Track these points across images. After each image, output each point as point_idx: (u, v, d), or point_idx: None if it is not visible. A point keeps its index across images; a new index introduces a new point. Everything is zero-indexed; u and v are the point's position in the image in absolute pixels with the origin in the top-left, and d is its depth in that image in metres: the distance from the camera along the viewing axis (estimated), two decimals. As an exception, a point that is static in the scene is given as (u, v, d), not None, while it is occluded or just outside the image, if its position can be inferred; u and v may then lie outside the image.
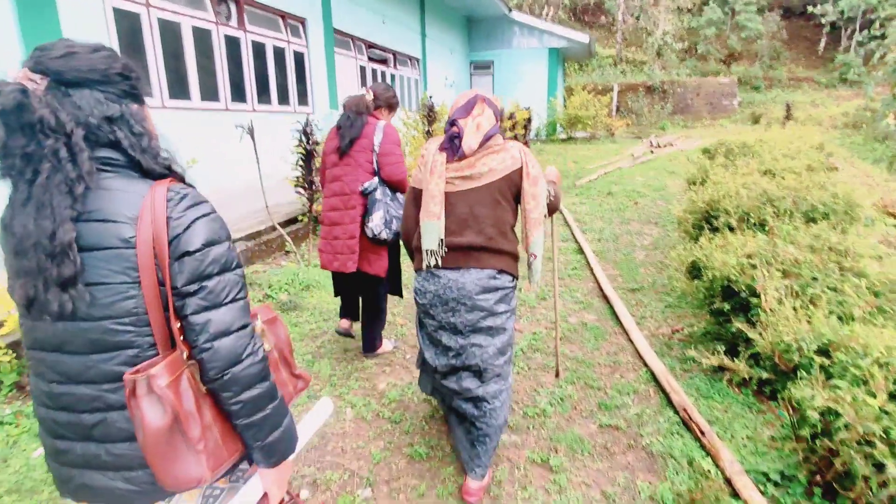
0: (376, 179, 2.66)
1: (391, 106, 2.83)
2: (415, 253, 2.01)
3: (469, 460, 2.02)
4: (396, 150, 2.69)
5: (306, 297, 3.97)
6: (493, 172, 1.83)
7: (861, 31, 24.56)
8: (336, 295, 3.06)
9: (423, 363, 2.13)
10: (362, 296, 2.92)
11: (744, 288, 2.30)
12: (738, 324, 2.34)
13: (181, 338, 0.95)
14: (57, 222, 0.85)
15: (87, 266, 0.89)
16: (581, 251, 4.93)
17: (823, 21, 21.73)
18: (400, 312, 3.73)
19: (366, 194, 2.66)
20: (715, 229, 3.12)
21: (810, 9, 24.13)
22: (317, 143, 4.73)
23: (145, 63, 5.37)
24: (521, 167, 1.86)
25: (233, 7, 6.75)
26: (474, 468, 1.99)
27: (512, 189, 1.88)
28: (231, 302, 0.97)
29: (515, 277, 1.96)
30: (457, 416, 2.08)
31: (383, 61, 11.55)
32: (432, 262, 1.87)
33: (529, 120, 13.56)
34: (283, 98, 7.86)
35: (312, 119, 4.83)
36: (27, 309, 0.92)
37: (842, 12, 20.70)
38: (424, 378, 2.18)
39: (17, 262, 0.90)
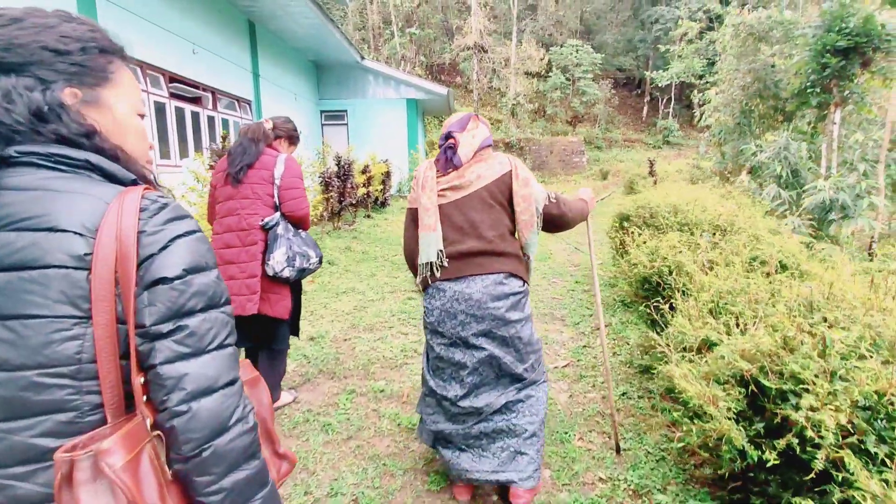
0: (278, 214, 2.46)
1: (292, 138, 2.68)
2: (419, 271, 1.95)
3: (516, 471, 1.83)
4: (299, 183, 2.50)
5: None
6: (482, 178, 1.85)
7: (675, 101, 28.57)
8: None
9: (427, 405, 2.02)
10: (263, 341, 2.56)
11: None
12: None
13: (144, 398, 0.67)
14: None
15: (10, 292, 0.62)
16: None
17: (659, 84, 24.47)
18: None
19: (266, 229, 2.43)
20: (776, 425, 1.31)
21: (647, 74, 27.14)
22: None
23: None
24: (510, 170, 1.87)
25: None
26: (524, 477, 1.83)
27: (504, 192, 1.87)
28: (217, 349, 0.71)
29: (525, 281, 1.90)
30: (485, 439, 1.89)
31: (195, 100, 8.98)
32: (434, 273, 1.84)
33: (388, 174, 11.88)
34: None
35: None
36: None
37: (678, 76, 23.41)
38: (427, 426, 2.02)
39: None
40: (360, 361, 3.32)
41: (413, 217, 1.98)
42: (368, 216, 10.22)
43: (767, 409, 1.44)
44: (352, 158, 9.13)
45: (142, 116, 0.83)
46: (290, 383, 3.03)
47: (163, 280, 0.67)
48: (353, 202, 8.83)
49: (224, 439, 0.69)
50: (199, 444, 0.67)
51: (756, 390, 1.46)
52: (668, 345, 1.78)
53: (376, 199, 11.27)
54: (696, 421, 1.49)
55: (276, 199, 2.45)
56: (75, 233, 0.64)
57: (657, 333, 2.00)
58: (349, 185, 8.35)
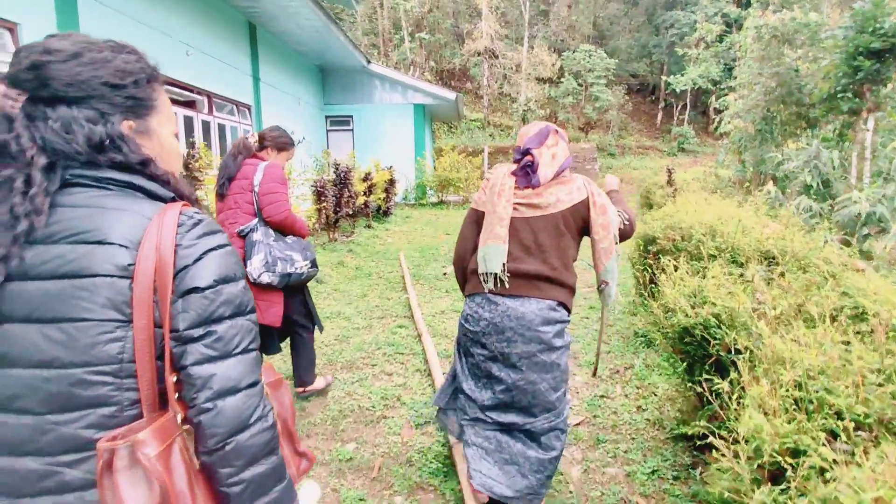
0: (255, 221, 2.48)
1: (279, 147, 2.65)
2: (469, 276, 1.97)
3: (521, 491, 1.82)
4: (278, 188, 2.48)
5: None
6: (560, 203, 1.83)
7: (691, 108, 27.84)
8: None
9: (451, 399, 2.05)
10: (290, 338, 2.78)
11: None
12: None
13: (175, 396, 0.76)
14: None
15: (63, 298, 0.71)
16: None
17: (677, 89, 23.79)
18: None
19: (242, 236, 2.46)
20: None
21: (662, 79, 26.51)
22: None
23: None
24: (587, 197, 1.85)
25: None
26: (527, 499, 1.84)
27: (577, 221, 1.86)
28: (242, 353, 0.79)
29: (570, 312, 1.91)
30: (501, 452, 1.88)
31: (190, 104, 8.58)
32: (493, 286, 1.82)
33: (392, 181, 11.38)
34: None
35: None
36: None
37: (694, 82, 22.74)
38: (447, 416, 2.08)
39: None
40: (329, 413, 2.77)
41: (477, 220, 1.96)
42: (369, 226, 9.73)
43: None
44: (352, 165, 8.66)
45: (175, 135, 0.88)
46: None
47: (195, 289, 0.74)
48: (351, 212, 8.33)
49: (245, 435, 0.75)
50: (222, 439, 0.74)
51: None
52: (735, 455, 1.22)
53: (378, 207, 10.78)
54: None
55: (255, 207, 2.48)
56: (120, 245, 0.72)
57: (702, 403, 1.44)
58: (347, 194, 7.86)
